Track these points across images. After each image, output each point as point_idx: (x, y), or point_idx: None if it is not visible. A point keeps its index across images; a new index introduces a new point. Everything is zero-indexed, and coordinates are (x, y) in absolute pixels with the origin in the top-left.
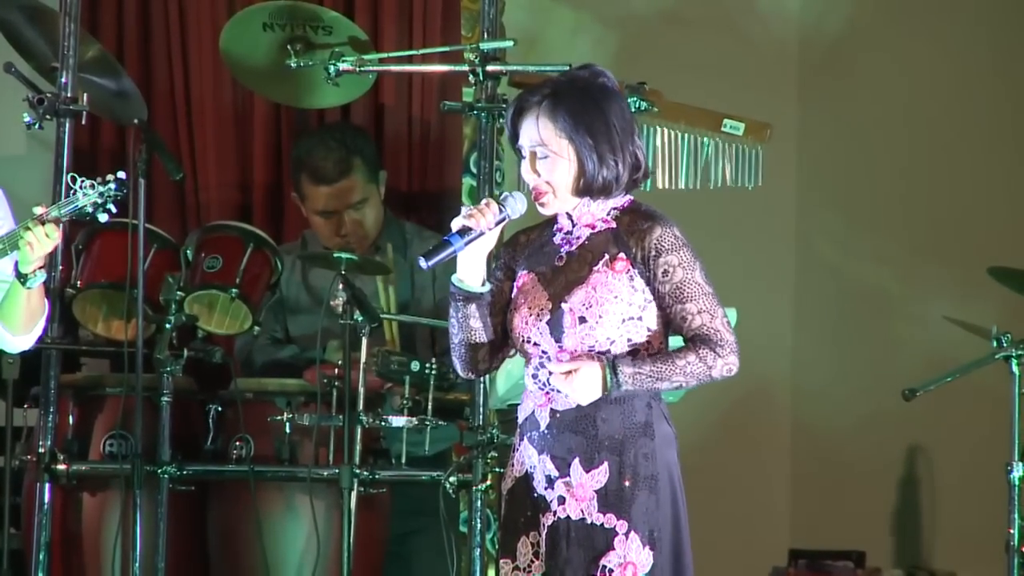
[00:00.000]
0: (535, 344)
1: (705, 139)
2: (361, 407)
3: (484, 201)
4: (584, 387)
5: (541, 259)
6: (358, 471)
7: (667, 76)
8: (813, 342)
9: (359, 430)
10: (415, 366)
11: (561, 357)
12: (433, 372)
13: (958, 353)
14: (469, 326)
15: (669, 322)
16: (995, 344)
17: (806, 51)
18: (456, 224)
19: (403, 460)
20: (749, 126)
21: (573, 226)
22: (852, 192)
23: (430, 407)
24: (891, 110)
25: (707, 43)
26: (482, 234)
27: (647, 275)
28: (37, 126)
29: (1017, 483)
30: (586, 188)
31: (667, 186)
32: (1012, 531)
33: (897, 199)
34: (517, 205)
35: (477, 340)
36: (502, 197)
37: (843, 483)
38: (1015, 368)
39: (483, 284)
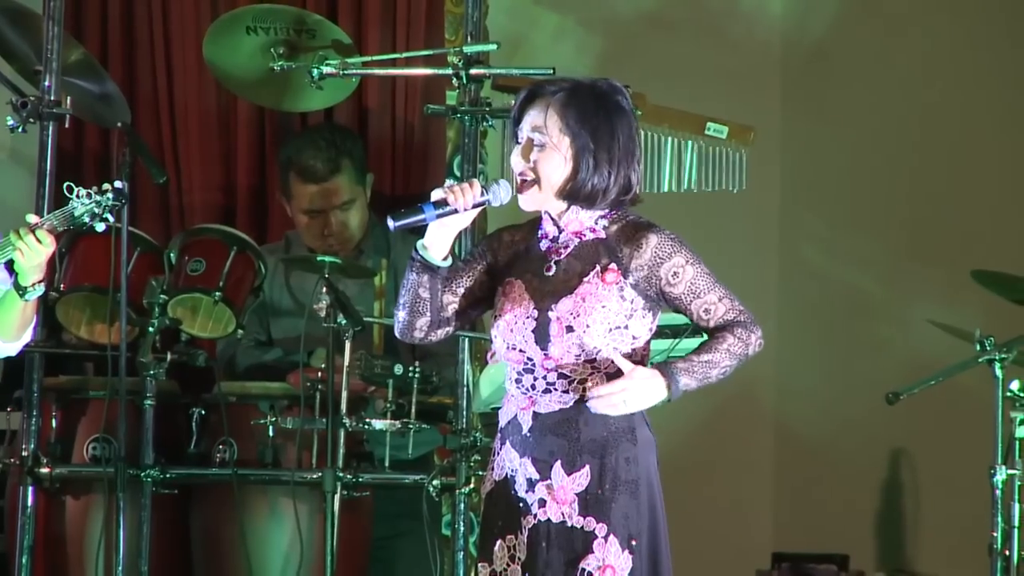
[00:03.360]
0: (520, 351)
1: (689, 142)
2: (344, 411)
3: (469, 181)
4: (642, 391)
5: (527, 266)
6: (341, 474)
7: (650, 79)
8: (797, 345)
9: (342, 433)
10: (398, 370)
11: (547, 364)
12: (416, 376)
13: (942, 356)
14: (417, 294)
15: (690, 318)
16: (978, 347)
17: (789, 54)
18: (435, 195)
19: (386, 463)
20: (733, 129)
21: (559, 232)
22: (836, 195)
23: (413, 410)
24: (874, 113)
25: (690, 46)
26: (456, 211)
27: (648, 284)
28: (20, 129)
29: (1000, 486)
30: (573, 192)
31: (651, 189)
32: (995, 534)
33: (881, 202)
34: (501, 193)
35: (420, 309)
36: (489, 182)
37: (826, 486)
38: (998, 371)
39: (444, 259)
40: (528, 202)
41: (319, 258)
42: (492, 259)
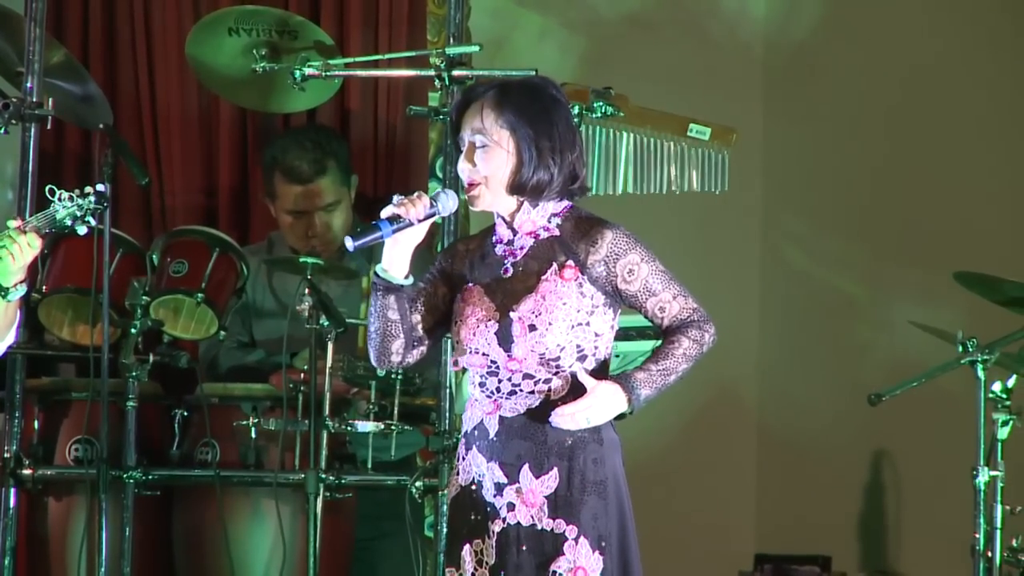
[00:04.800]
0: (483, 354)
1: (671, 144)
2: (327, 412)
3: (416, 193)
4: (605, 407)
5: (485, 271)
6: (324, 476)
7: (633, 81)
8: (779, 347)
9: (325, 435)
10: (381, 371)
11: (511, 366)
12: (399, 377)
13: (924, 358)
14: (387, 317)
15: (644, 315)
16: (960, 349)
17: (771, 55)
18: (386, 212)
19: (369, 465)
20: (715, 131)
21: (514, 235)
22: (818, 196)
23: (396, 412)
24: (856, 114)
25: (673, 48)
26: (410, 224)
27: (604, 280)
28: (2, 131)
29: (982, 487)
30: (520, 185)
31: (633, 191)
32: (977, 535)
33: (863, 203)
34: (448, 202)
35: (392, 332)
36: (434, 193)
37: (809, 488)
38: (980, 373)
39: (406, 277)
40: (479, 203)
41: (302, 259)
42: (451, 271)
